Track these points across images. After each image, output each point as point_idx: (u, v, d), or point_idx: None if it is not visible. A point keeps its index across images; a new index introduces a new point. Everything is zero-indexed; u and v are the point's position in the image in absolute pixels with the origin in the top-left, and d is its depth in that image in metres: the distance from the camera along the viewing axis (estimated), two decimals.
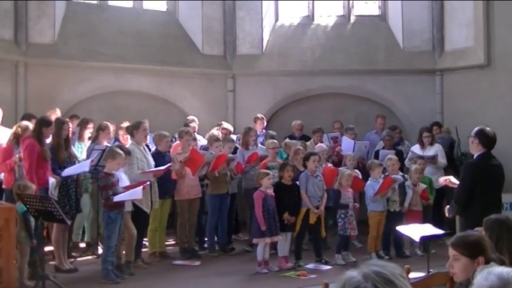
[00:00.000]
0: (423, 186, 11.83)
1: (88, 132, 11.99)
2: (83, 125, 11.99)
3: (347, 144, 13.42)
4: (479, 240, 4.67)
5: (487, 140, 8.03)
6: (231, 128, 13.72)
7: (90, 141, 11.92)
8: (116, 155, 9.63)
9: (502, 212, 8.32)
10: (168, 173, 11.02)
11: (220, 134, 12.96)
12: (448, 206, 8.64)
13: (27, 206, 8.54)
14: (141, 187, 9.59)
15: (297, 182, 11.02)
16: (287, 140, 12.94)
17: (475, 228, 5.98)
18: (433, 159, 12.73)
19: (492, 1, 14.28)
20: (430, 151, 12.89)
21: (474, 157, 8.21)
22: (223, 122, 13.94)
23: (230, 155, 11.89)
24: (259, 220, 10.36)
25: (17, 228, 8.47)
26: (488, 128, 8.15)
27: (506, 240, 5.30)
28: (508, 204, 12.24)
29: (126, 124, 12.26)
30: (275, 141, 12.27)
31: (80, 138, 11.82)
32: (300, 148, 12.01)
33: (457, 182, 8.62)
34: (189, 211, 11.50)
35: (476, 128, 8.14)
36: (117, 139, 12.53)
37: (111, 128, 12.09)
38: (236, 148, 12.65)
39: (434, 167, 12.79)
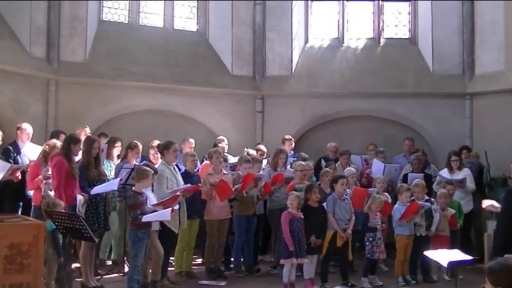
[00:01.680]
0: (452, 211, 11.71)
1: (116, 151, 12.08)
2: (110, 143, 12.08)
3: (377, 167, 13.35)
4: (504, 270, 4.67)
5: None
6: (265, 150, 13.70)
7: (118, 160, 12.00)
8: (147, 174, 9.67)
9: None
10: (197, 193, 11.03)
11: (256, 155, 12.97)
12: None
13: (56, 223, 8.59)
14: (170, 209, 9.57)
15: (324, 204, 10.98)
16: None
17: (505, 255, 5.92)
18: (461, 182, 12.61)
19: None
20: (458, 175, 12.75)
21: None
22: (260, 144, 14.02)
23: (257, 173, 11.90)
24: (288, 241, 10.30)
25: (45, 245, 8.50)
26: None
27: None
28: None
29: (156, 143, 12.33)
30: (303, 163, 12.24)
31: (108, 156, 11.88)
32: (329, 170, 12.01)
33: (499, 206, 8.41)
34: (218, 231, 11.51)
35: None
36: (144, 157, 12.53)
37: (140, 147, 12.14)
38: None
39: (462, 191, 12.66)
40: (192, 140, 13.36)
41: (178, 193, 10.18)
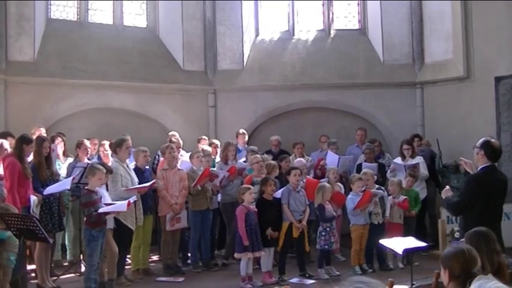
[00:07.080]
0: (403, 197, 11.83)
1: (59, 148, 11.86)
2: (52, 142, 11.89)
3: (332, 159, 13.39)
4: (454, 253, 4.86)
5: (492, 152, 7.68)
6: (218, 143, 13.67)
7: (64, 158, 11.89)
8: (96, 171, 9.54)
9: (502, 222, 7.95)
10: (150, 190, 11.01)
11: (210, 149, 12.92)
12: (447, 188, 8.23)
13: (10, 227, 8.46)
14: (127, 201, 9.53)
15: (278, 197, 11.02)
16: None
17: (460, 240, 6.04)
18: (414, 168, 12.74)
19: (471, 6, 14.40)
20: (411, 162, 12.92)
21: (478, 169, 7.89)
22: (205, 137, 13.98)
23: (212, 169, 11.91)
24: (242, 235, 10.34)
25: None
26: (494, 140, 7.88)
27: (486, 251, 5.37)
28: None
29: (106, 142, 12.23)
30: (258, 156, 12.27)
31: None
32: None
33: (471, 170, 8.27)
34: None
35: (482, 139, 7.78)
36: (100, 157, 12.45)
37: (88, 143, 12.03)
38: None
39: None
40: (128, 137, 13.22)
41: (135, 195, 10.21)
